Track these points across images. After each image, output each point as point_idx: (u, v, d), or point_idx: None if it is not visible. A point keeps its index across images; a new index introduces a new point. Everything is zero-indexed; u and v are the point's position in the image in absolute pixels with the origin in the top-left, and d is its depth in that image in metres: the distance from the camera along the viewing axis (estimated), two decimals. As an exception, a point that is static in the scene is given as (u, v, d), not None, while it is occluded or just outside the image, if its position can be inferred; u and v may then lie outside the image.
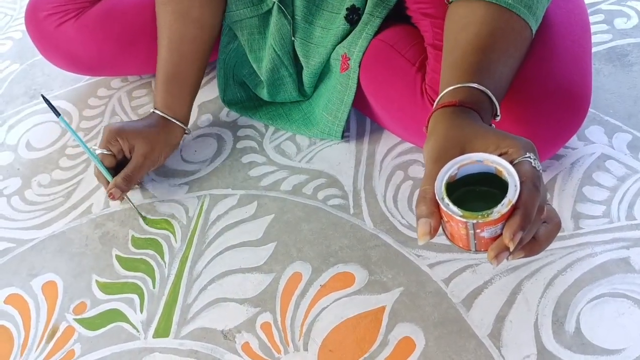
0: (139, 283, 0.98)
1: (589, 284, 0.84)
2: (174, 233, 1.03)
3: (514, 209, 0.60)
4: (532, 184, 0.60)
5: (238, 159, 1.13)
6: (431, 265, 0.90)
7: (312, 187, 1.04)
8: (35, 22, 1.24)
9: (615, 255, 0.86)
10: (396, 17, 1.01)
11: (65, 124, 1.00)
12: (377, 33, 1.00)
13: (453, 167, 0.62)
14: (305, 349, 0.85)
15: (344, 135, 1.08)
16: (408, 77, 0.95)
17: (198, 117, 1.24)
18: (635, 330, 0.78)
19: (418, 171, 1.02)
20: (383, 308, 0.87)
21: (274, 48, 1.08)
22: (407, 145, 1.06)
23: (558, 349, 0.78)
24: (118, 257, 1.03)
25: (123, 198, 1.06)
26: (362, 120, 1.13)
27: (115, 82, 1.38)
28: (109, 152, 1.05)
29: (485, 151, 0.63)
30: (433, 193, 0.62)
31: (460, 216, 0.60)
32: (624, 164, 0.96)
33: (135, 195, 1.11)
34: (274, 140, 1.14)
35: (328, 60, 1.06)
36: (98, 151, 1.04)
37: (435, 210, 0.63)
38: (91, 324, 0.95)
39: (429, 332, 0.83)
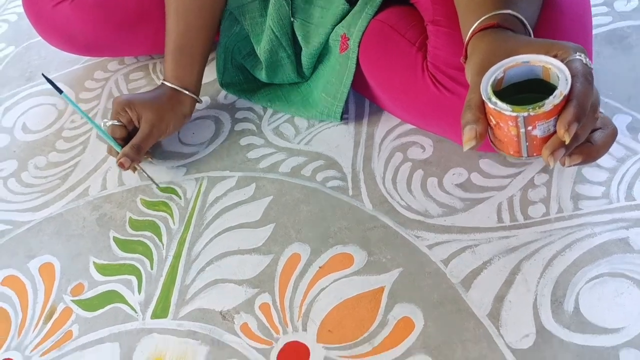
0: (137, 265, 0.98)
1: (588, 264, 0.83)
2: (171, 215, 1.03)
3: (567, 101, 0.58)
4: (584, 78, 0.59)
5: (236, 141, 1.13)
6: (430, 246, 0.90)
7: (310, 168, 1.04)
8: (32, 0, 1.23)
9: (615, 236, 0.86)
10: (395, -1, 1.00)
11: (68, 99, 1.00)
12: (376, 14, 1.00)
13: (499, 70, 0.61)
14: (304, 330, 0.85)
15: (343, 117, 1.08)
16: (408, 57, 0.94)
17: (195, 99, 1.23)
18: (634, 309, 0.78)
19: (417, 153, 1.02)
20: (382, 288, 0.87)
21: (272, 29, 1.07)
22: (407, 127, 1.06)
23: (557, 328, 0.78)
24: (115, 239, 1.02)
25: (135, 169, 1.06)
26: (361, 102, 1.13)
27: (112, 64, 1.37)
28: (119, 123, 1.06)
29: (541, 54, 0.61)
30: (478, 100, 0.61)
31: (511, 111, 0.58)
32: (624, 145, 0.96)
33: (132, 178, 1.11)
34: (273, 123, 1.14)
35: (327, 41, 1.05)
36: (109, 123, 1.05)
37: (482, 116, 0.62)
38: (89, 305, 0.94)
39: (428, 312, 0.83)
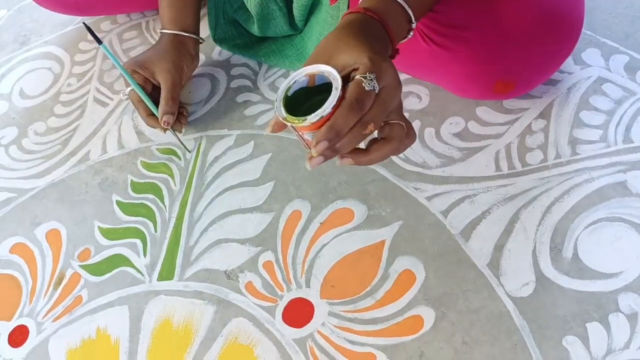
0: (141, 227, 0.99)
1: (586, 209, 0.84)
2: (172, 176, 1.04)
3: (328, 119, 0.63)
4: (349, 102, 0.62)
5: (233, 98, 1.12)
6: (429, 198, 0.90)
7: (308, 123, 1.04)
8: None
9: (613, 180, 0.86)
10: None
11: (108, 53, 0.98)
12: (366, -36, 0.98)
13: (300, 74, 0.66)
14: (308, 286, 0.86)
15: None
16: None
17: (190, 57, 1.22)
18: (632, 253, 0.79)
19: (414, 103, 1.01)
20: (383, 242, 0.88)
21: (261, -19, 1.06)
22: (402, 76, 1.05)
23: (556, 275, 0.79)
24: (119, 203, 1.03)
25: (183, 124, 1.08)
26: (356, 53, 1.11)
27: (105, 24, 1.36)
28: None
29: (343, 63, 0.65)
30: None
31: (283, 118, 0.64)
32: (621, 86, 0.95)
33: (132, 141, 1.11)
34: (268, 78, 1.13)
35: (318, -8, 1.04)
36: (126, 90, 1.06)
37: None
38: (96, 269, 0.96)
39: (429, 264, 0.84)
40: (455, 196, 0.89)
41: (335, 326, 0.82)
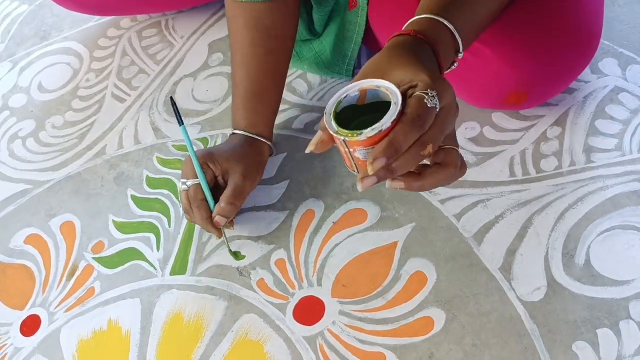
0: (155, 222, 0.99)
1: (599, 216, 0.84)
2: (187, 172, 1.04)
3: (385, 135, 0.60)
4: (411, 117, 0.59)
5: (249, 97, 1.13)
6: (442, 201, 0.90)
7: (323, 124, 1.04)
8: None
9: (627, 188, 0.86)
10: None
11: (186, 137, 0.90)
12: (385, -30, 0.99)
13: (352, 89, 0.63)
14: (319, 285, 0.87)
15: (355, 73, 1.08)
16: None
17: (209, 56, 1.23)
18: (645, 261, 0.79)
19: (429, 107, 1.02)
20: (395, 243, 0.88)
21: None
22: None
23: (568, 281, 0.80)
24: (133, 197, 1.04)
25: (232, 225, 0.95)
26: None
27: (125, 21, 1.37)
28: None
29: (397, 80, 0.63)
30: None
31: (335, 132, 0.61)
32: (637, 96, 0.95)
33: (148, 137, 1.12)
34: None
35: (338, -1, 1.05)
36: (189, 182, 0.91)
37: None
38: (109, 262, 0.97)
39: (441, 266, 0.84)
40: (469, 200, 0.90)
41: (345, 325, 0.82)
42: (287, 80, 1.13)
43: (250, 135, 0.96)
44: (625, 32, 1.04)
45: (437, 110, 0.60)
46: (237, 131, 0.96)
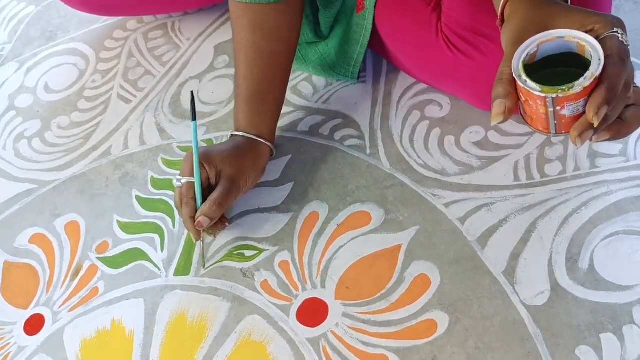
0: (159, 223, 1.00)
1: (603, 221, 0.84)
2: (192, 174, 1.05)
3: (598, 83, 0.57)
4: (619, 58, 0.57)
5: (255, 100, 1.13)
6: (447, 205, 0.91)
7: (328, 127, 1.05)
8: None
9: (631, 194, 0.86)
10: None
11: (194, 133, 0.91)
12: (392, -27, 0.99)
13: (532, 45, 0.60)
14: (323, 287, 0.87)
15: (360, 76, 1.08)
16: (423, 17, 0.94)
17: (214, 58, 1.24)
18: (649, 267, 0.80)
19: (434, 111, 1.02)
20: (399, 246, 0.88)
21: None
22: (424, 85, 1.06)
23: (571, 286, 0.80)
24: (138, 198, 1.04)
25: (219, 229, 0.95)
26: (378, 60, 1.13)
27: (131, 23, 1.37)
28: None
29: (577, 27, 0.60)
30: (509, 74, 0.61)
31: (539, 92, 0.58)
32: (642, 102, 0.95)
33: (153, 138, 1.12)
34: (291, 81, 1.14)
35: (345, 1, 1.05)
36: (183, 180, 0.92)
37: (512, 90, 0.61)
38: (114, 262, 0.97)
39: (445, 269, 0.85)
40: (473, 204, 0.90)
41: (348, 327, 0.82)
42: (293, 83, 1.13)
43: (250, 136, 0.96)
44: (630, 39, 1.03)
45: (628, 47, 0.58)
46: (237, 133, 0.96)
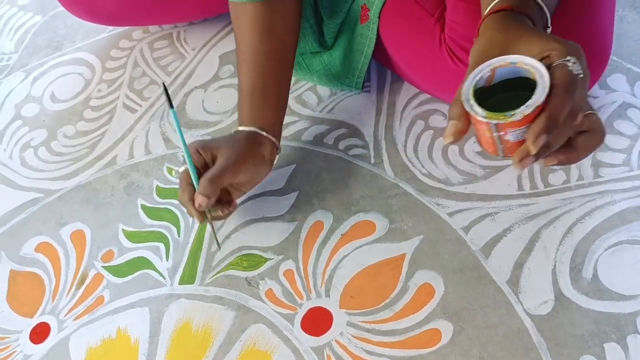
0: (164, 232, 1.00)
1: (607, 231, 0.84)
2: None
3: (540, 111, 0.58)
4: (563, 88, 0.58)
5: (259, 109, 1.14)
6: (451, 214, 0.91)
7: (333, 137, 1.05)
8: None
9: (635, 204, 0.86)
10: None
11: (176, 122, 0.90)
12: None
13: (485, 69, 0.61)
14: (327, 296, 0.87)
15: (365, 86, 1.09)
16: (427, 28, 0.95)
17: (219, 68, 1.24)
18: (653, 276, 0.80)
19: (439, 121, 1.02)
20: (403, 255, 0.88)
21: None
22: (428, 95, 1.06)
23: (575, 295, 0.80)
24: (143, 207, 1.05)
25: (205, 217, 0.91)
26: (382, 70, 1.13)
27: (137, 33, 1.38)
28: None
29: (528, 54, 0.61)
30: None
31: (483, 117, 0.59)
32: (646, 112, 0.96)
33: (159, 147, 1.13)
34: (295, 91, 1.15)
35: (349, 11, 1.05)
36: (182, 168, 0.92)
37: (465, 112, 0.62)
38: (119, 271, 0.97)
39: (449, 278, 0.85)
40: (477, 213, 0.90)
41: (353, 336, 0.83)
42: (297, 92, 1.14)
43: (250, 129, 0.94)
44: (633, 49, 1.04)
45: (581, 76, 0.59)
46: (240, 128, 0.95)
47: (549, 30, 0.71)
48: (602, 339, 0.76)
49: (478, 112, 0.59)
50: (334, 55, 1.11)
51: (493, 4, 0.70)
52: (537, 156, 0.60)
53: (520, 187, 0.91)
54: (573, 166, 0.91)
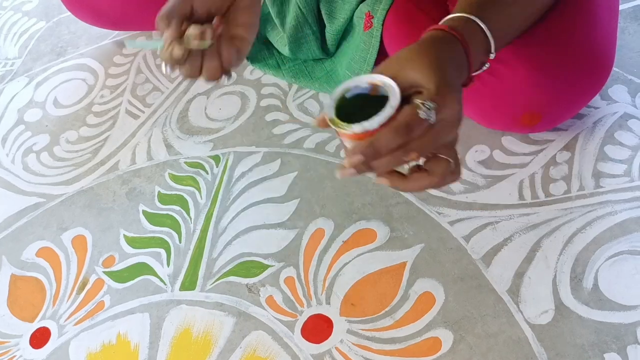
0: (166, 238, 1.00)
1: (608, 241, 0.84)
2: (199, 189, 1.05)
3: (369, 135, 0.60)
4: (399, 125, 0.60)
5: (262, 116, 1.14)
6: (452, 223, 0.91)
7: (335, 144, 1.05)
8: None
9: (635, 214, 0.86)
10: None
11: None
12: (400, -8, 1.00)
13: (363, 80, 0.64)
14: (328, 303, 0.87)
15: (367, 94, 1.09)
16: (431, 36, 0.95)
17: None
18: (653, 287, 0.80)
19: (440, 129, 1.03)
20: (404, 264, 0.89)
21: (298, 6, 1.08)
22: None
23: (575, 305, 0.80)
24: (145, 213, 1.05)
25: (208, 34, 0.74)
26: (384, 78, 1.13)
27: (140, 39, 1.39)
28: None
29: (404, 80, 0.62)
30: None
31: (330, 119, 0.63)
32: (647, 123, 0.96)
33: (161, 153, 1.13)
34: (298, 99, 1.15)
35: (352, 18, 1.06)
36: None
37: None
38: (120, 276, 0.98)
39: (449, 287, 0.85)
40: (478, 222, 0.90)
41: (353, 344, 0.83)
42: (299, 100, 1.14)
43: None
44: (635, 60, 1.05)
45: (431, 123, 0.60)
46: None
47: (492, 56, 0.72)
48: (603, 349, 0.76)
49: (329, 114, 0.63)
50: (336, 62, 1.12)
51: (442, 21, 0.71)
52: (358, 171, 0.62)
53: (521, 196, 0.91)
54: (574, 176, 0.91)
